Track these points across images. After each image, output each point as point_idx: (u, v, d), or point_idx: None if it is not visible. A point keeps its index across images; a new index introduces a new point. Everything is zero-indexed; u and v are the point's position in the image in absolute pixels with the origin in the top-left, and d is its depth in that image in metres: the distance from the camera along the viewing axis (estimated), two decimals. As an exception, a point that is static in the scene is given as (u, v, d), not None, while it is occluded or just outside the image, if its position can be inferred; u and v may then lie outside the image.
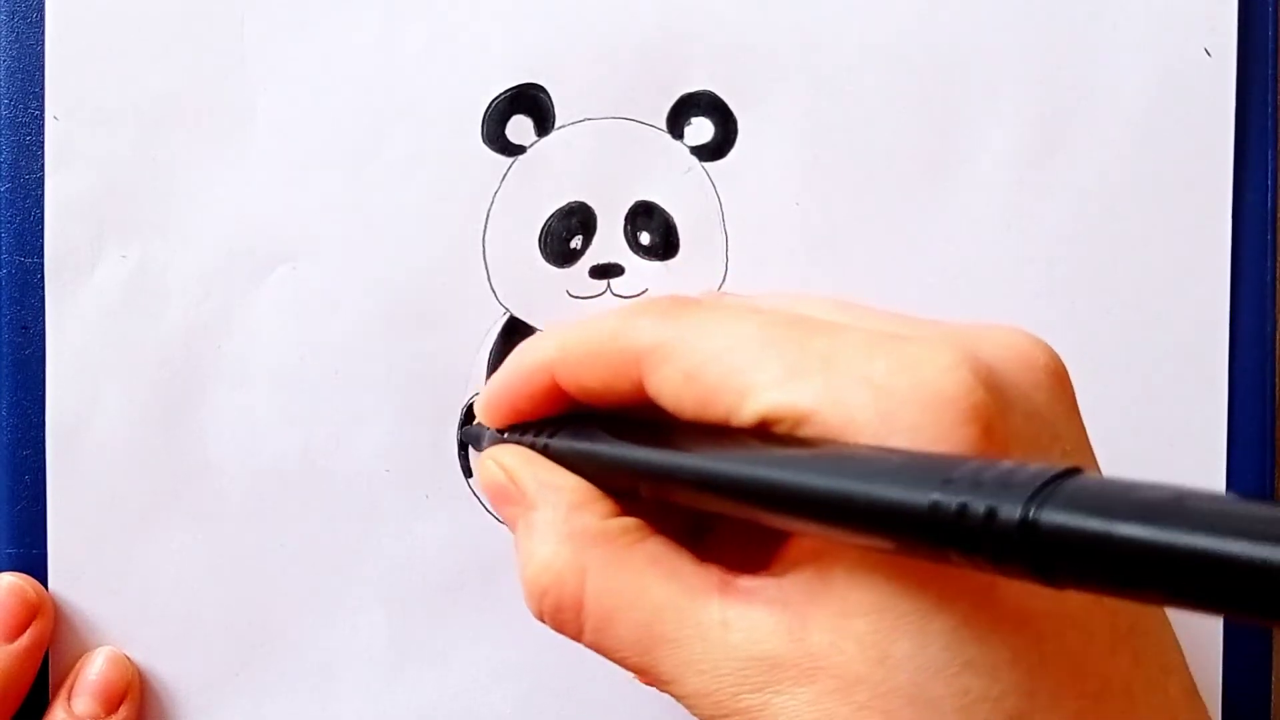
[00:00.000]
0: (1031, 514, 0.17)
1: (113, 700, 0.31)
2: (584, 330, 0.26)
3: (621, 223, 0.32)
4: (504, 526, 0.32)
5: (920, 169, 0.32)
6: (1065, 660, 0.21)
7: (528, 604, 0.25)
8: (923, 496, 0.18)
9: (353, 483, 0.32)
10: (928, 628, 0.20)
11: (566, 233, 0.32)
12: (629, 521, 0.25)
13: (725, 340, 0.23)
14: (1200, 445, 0.33)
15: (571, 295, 0.32)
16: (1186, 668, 0.23)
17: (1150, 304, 0.32)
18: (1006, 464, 0.18)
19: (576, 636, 0.24)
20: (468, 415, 0.32)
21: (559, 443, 0.26)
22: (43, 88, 0.31)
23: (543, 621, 0.25)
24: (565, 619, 0.24)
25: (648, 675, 0.23)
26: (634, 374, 0.24)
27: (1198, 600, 0.16)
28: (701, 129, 0.32)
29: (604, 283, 0.32)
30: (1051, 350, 0.23)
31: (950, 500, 0.18)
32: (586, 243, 0.32)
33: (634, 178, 0.32)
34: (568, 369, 0.26)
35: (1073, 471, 0.17)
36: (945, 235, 0.32)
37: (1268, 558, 0.14)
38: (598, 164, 0.32)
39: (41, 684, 0.32)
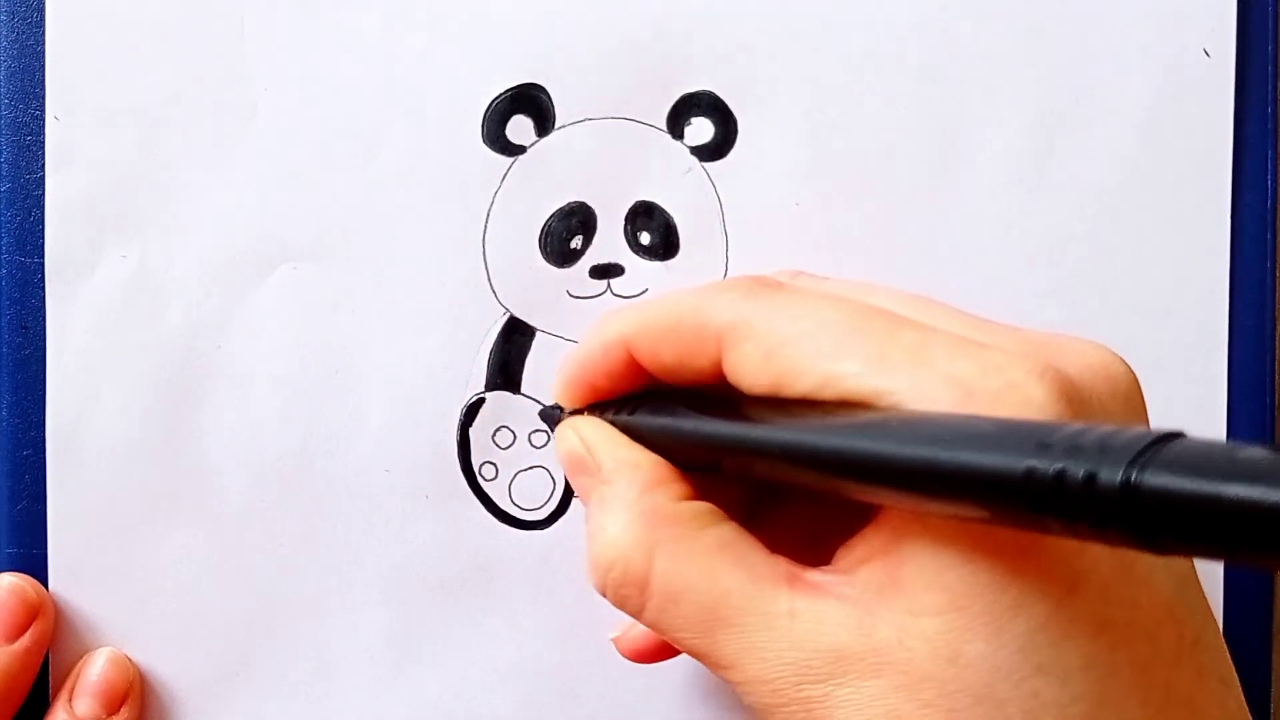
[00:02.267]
0: (1134, 477, 0.16)
1: (114, 701, 0.31)
2: (663, 304, 0.26)
3: (621, 223, 0.32)
4: (504, 527, 0.32)
5: (920, 169, 0.32)
6: (1134, 670, 0.21)
7: (592, 576, 0.25)
8: (1018, 462, 0.18)
9: (353, 483, 0.32)
10: (1003, 630, 0.20)
11: (567, 233, 0.32)
12: (702, 506, 0.25)
13: (810, 323, 0.23)
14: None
15: (571, 295, 0.32)
16: (1239, 685, 0.23)
17: (1150, 304, 0.32)
18: (1103, 428, 0.18)
19: (638, 613, 0.24)
20: (468, 414, 0.32)
21: (640, 419, 0.26)
22: (43, 88, 0.31)
23: (604, 595, 0.25)
24: (628, 594, 0.24)
25: (706, 659, 0.23)
26: (712, 350, 0.24)
27: None
28: (701, 129, 0.32)
29: (604, 283, 0.32)
30: (1127, 365, 0.23)
31: (1047, 465, 0.17)
32: (587, 243, 0.32)
33: (634, 178, 0.32)
34: (645, 343, 0.26)
35: (1173, 435, 0.17)
36: (945, 235, 0.32)
37: None
38: (598, 164, 0.32)
39: (41, 685, 0.32)
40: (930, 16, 0.32)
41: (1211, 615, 0.23)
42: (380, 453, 0.32)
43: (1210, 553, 0.17)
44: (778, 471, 0.23)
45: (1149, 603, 0.21)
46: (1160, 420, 0.32)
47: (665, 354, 0.26)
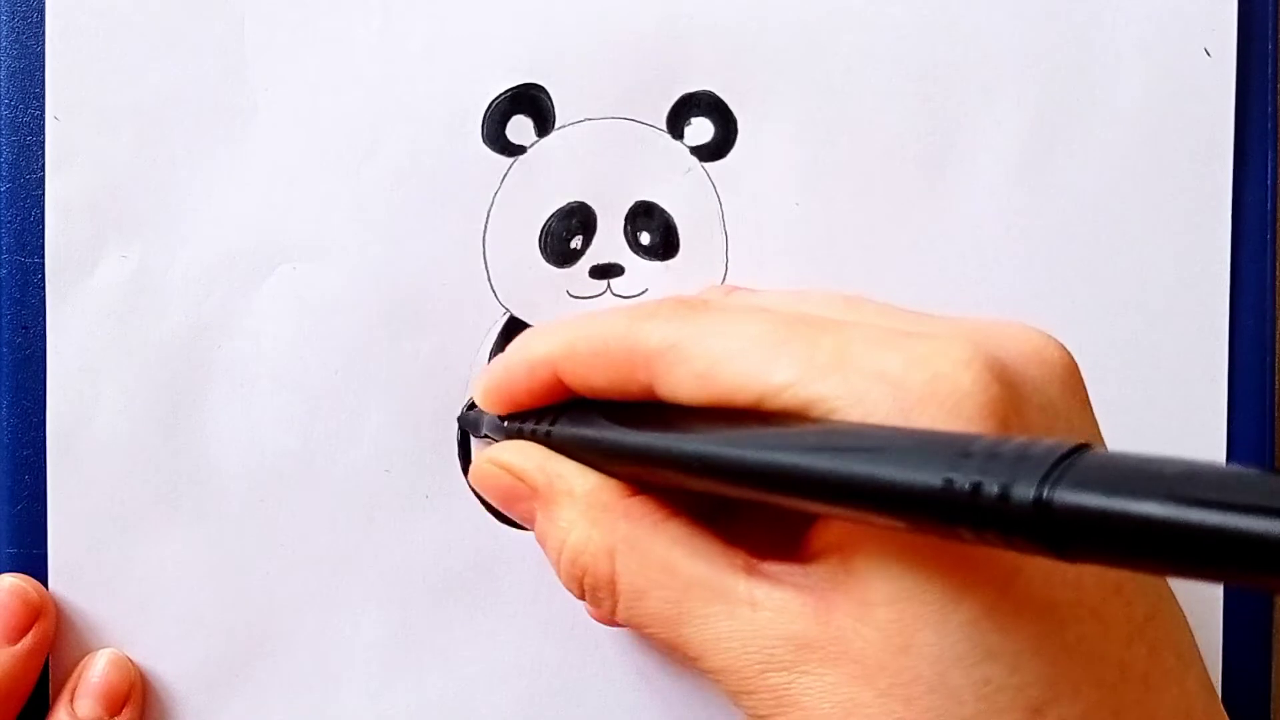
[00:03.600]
0: (1045, 494, 0.17)
1: (116, 702, 0.31)
2: (590, 329, 0.26)
3: (621, 223, 0.32)
4: (504, 527, 0.32)
5: (920, 169, 0.32)
6: (1084, 650, 0.21)
7: (567, 587, 0.26)
8: (935, 476, 0.18)
9: (353, 483, 0.32)
10: (950, 618, 0.20)
11: (566, 233, 0.32)
12: (649, 500, 0.25)
13: (737, 341, 0.23)
14: (1200, 445, 0.33)
15: (571, 295, 0.32)
16: (1202, 663, 0.23)
17: (1150, 304, 0.32)
18: (1019, 440, 0.18)
19: (611, 614, 0.25)
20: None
21: (561, 430, 0.26)
22: (43, 88, 0.31)
23: (583, 599, 0.25)
24: (601, 598, 0.25)
25: (675, 652, 0.24)
26: (642, 375, 0.25)
27: (1209, 571, 0.16)
28: (701, 129, 0.32)
29: (604, 283, 0.32)
30: (1062, 345, 0.23)
31: (964, 480, 0.18)
32: (586, 243, 0.32)
33: (634, 178, 0.32)
34: (573, 367, 0.26)
35: (1084, 448, 0.17)
36: (945, 235, 0.32)
37: (1269, 530, 0.15)
38: (598, 164, 0.32)
39: (41, 686, 0.31)
40: (930, 16, 0.32)
41: (1168, 593, 0.23)
42: (380, 453, 0.32)
43: (1120, 563, 0.17)
44: (699, 484, 0.23)
45: (1094, 583, 0.21)
46: (1161, 420, 0.32)
47: (595, 379, 0.26)
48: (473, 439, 0.32)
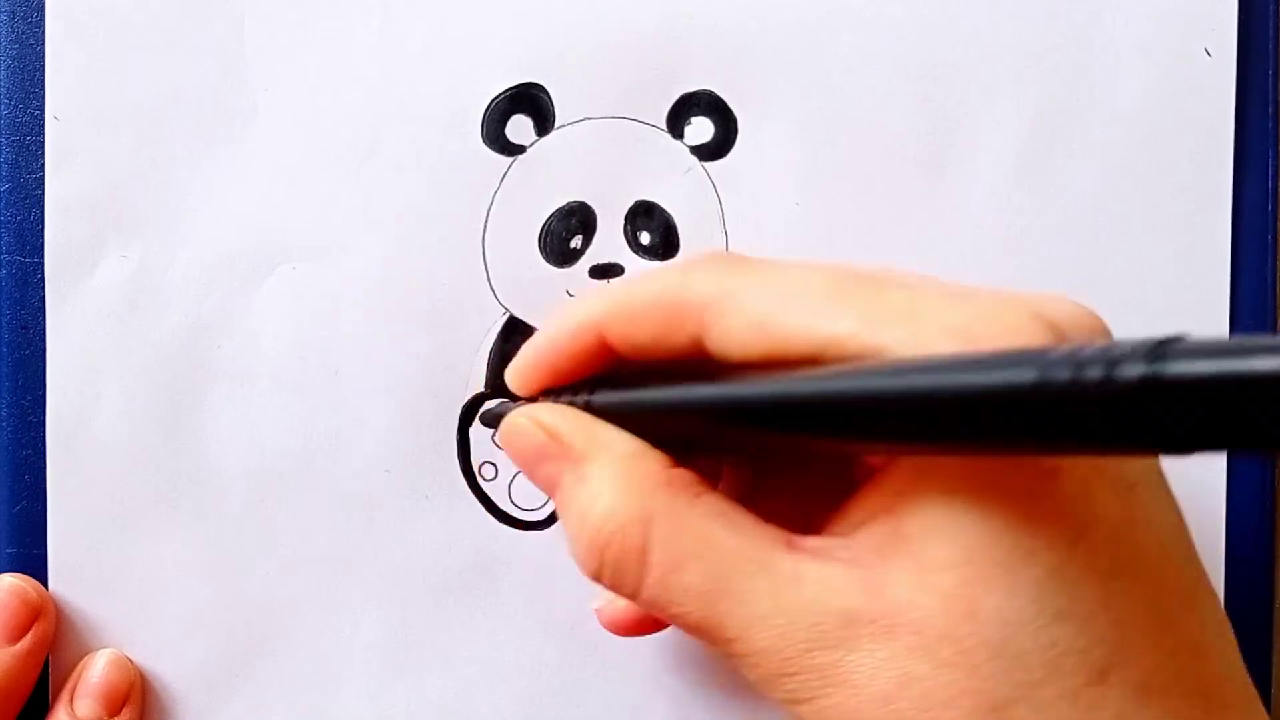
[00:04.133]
0: (1155, 370, 0.15)
1: (115, 702, 0.31)
2: (638, 285, 0.25)
3: (621, 222, 0.32)
4: (504, 527, 0.32)
5: (920, 169, 0.32)
6: (1146, 614, 0.20)
7: (585, 559, 0.23)
8: (1026, 374, 0.17)
9: (353, 483, 0.32)
10: (1018, 579, 0.20)
11: (566, 232, 0.32)
12: (690, 474, 0.24)
13: (796, 288, 0.22)
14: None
15: (571, 295, 0.32)
16: (1235, 641, 0.22)
17: (1150, 304, 0.32)
18: (1099, 344, 0.17)
19: (635, 590, 0.23)
20: (468, 414, 0.32)
21: (601, 397, 0.25)
22: (43, 88, 0.31)
23: (597, 578, 0.23)
24: (627, 569, 0.23)
25: (710, 633, 0.22)
26: (690, 327, 0.23)
27: None
28: (701, 129, 0.32)
29: (604, 282, 0.32)
30: (1099, 315, 0.23)
31: (1058, 374, 0.16)
32: (586, 242, 0.32)
33: (634, 177, 0.32)
34: (620, 324, 0.25)
35: (1176, 338, 0.16)
36: (945, 235, 0.32)
37: None
38: (598, 164, 0.32)
39: (41, 686, 0.31)
40: (930, 16, 0.32)
41: (1204, 568, 0.22)
42: (380, 453, 0.32)
43: (1243, 441, 0.15)
44: (766, 436, 0.22)
45: (1153, 547, 0.21)
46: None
47: (641, 334, 0.24)
48: (473, 440, 0.32)
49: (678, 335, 0.24)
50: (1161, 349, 0.15)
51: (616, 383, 0.25)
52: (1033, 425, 0.17)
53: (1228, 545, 0.33)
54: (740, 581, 0.22)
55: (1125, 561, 0.20)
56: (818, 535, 0.22)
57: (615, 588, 0.23)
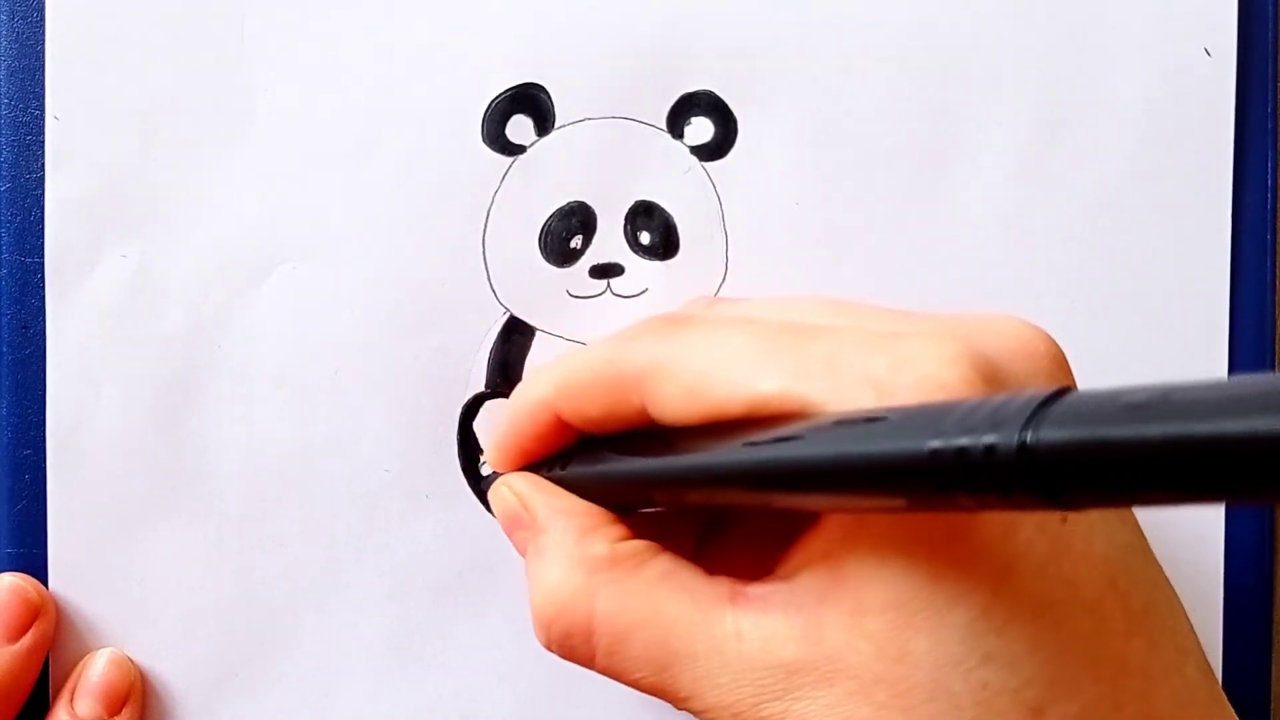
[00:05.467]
0: (1029, 439, 0.16)
1: (116, 702, 0.31)
2: (578, 361, 0.26)
3: (621, 222, 0.32)
4: (504, 526, 0.32)
5: (920, 169, 0.32)
6: (1082, 647, 0.21)
7: (537, 634, 0.25)
8: (921, 445, 0.18)
9: (353, 483, 0.32)
10: (944, 622, 0.20)
11: (566, 232, 0.32)
12: (638, 544, 0.25)
13: (723, 352, 0.23)
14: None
15: (571, 295, 0.32)
16: (1201, 650, 0.23)
17: (1150, 303, 0.32)
18: (999, 398, 0.18)
19: (589, 662, 0.24)
20: (468, 414, 0.32)
21: (572, 471, 0.27)
22: (43, 88, 0.31)
23: (552, 650, 0.25)
24: (575, 644, 0.24)
25: (664, 694, 0.23)
26: (634, 398, 0.25)
27: (1203, 488, 0.15)
28: (701, 129, 0.32)
29: (604, 282, 0.32)
30: (1050, 337, 0.23)
31: (949, 444, 0.18)
32: (586, 242, 0.32)
33: (634, 177, 0.32)
34: (568, 402, 0.26)
35: (1063, 391, 0.17)
36: (945, 235, 0.32)
37: (1262, 429, 0.14)
38: (598, 164, 0.32)
39: (41, 686, 0.31)
40: (930, 16, 0.32)
41: (1164, 583, 0.23)
42: (380, 453, 0.32)
43: (1116, 499, 0.17)
44: (705, 496, 0.24)
45: (1089, 578, 0.21)
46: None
47: (590, 409, 0.26)
48: (473, 440, 0.32)
49: (624, 407, 0.25)
50: (1037, 415, 0.17)
51: (590, 449, 0.26)
52: (932, 491, 0.18)
53: (1227, 554, 0.33)
54: (685, 644, 0.23)
55: (1056, 596, 0.21)
56: (768, 576, 0.23)
57: (567, 659, 0.25)
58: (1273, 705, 0.33)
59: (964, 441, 0.17)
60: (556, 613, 0.24)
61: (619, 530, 0.25)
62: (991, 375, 0.21)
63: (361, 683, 0.32)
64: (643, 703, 0.32)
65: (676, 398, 0.23)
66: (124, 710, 0.31)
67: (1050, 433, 0.16)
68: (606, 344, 0.26)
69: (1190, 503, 0.16)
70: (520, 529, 0.27)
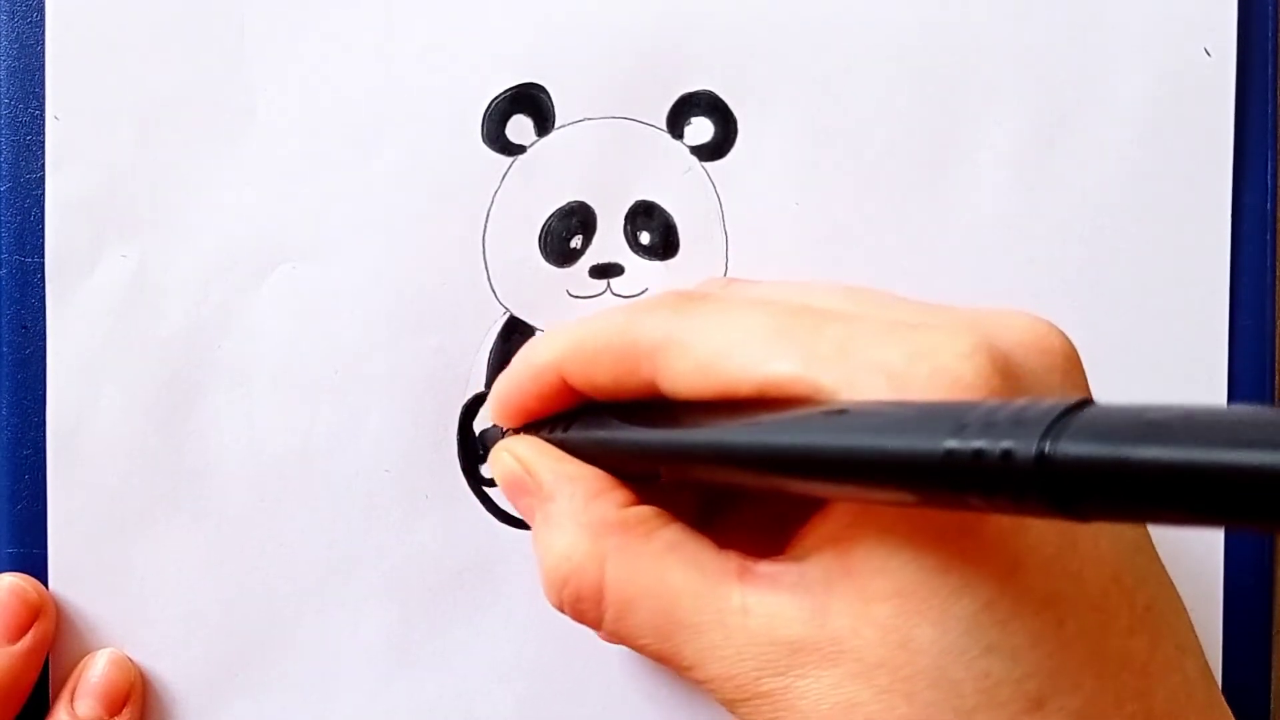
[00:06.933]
0: (1047, 449, 0.16)
1: (116, 702, 0.31)
2: (592, 327, 0.26)
3: (621, 222, 0.32)
4: (504, 527, 0.32)
5: (920, 168, 0.32)
6: (1085, 642, 0.21)
7: (547, 594, 0.25)
8: (937, 444, 0.18)
9: (353, 483, 0.32)
10: (949, 612, 0.20)
11: (566, 232, 0.32)
12: (647, 510, 0.25)
13: (738, 331, 0.23)
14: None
15: (571, 295, 0.32)
16: (1201, 649, 0.23)
17: (1150, 303, 0.32)
18: (1019, 402, 0.18)
19: (597, 625, 0.25)
20: (468, 414, 0.32)
21: (574, 435, 0.26)
22: (43, 88, 0.31)
23: (563, 612, 0.25)
24: (585, 608, 0.24)
25: (668, 661, 0.24)
26: (645, 370, 0.24)
27: (1219, 514, 0.15)
28: (701, 129, 0.32)
29: (604, 282, 0.32)
30: (1063, 334, 0.23)
31: (965, 446, 0.18)
32: (586, 242, 0.32)
33: (634, 178, 0.32)
34: (577, 367, 0.26)
35: (1085, 403, 0.17)
36: (945, 235, 0.32)
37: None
38: (598, 164, 0.32)
39: (41, 686, 0.31)
40: (930, 16, 0.32)
41: (1167, 581, 0.23)
42: (380, 453, 0.32)
43: (1128, 516, 0.17)
44: (712, 474, 0.23)
45: (1095, 574, 0.21)
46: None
47: (598, 377, 0.26)
48: (473, 440, 0.32)
49: (633, 378, 0.25)
50: (1058, 425, 0.17)
51: (595, 414, 0.26)
52: (943, 490, 0.18)
53: (1227, 554, 0.33)
54: (691, 616, 0.23)
55: (1061, 591, 0.21)
56: (778, 555, 0.23)
57: (577, 620, 0.25)
58: (1273, 705, 0.33)
59: (981, 444, 0.17)
60: (567, 576, 0.24)
61: (626, 495, 0.25)
62: (1007, 370, 0.21)
63: (361, 683, 0.32)
64: (643, 702, 0.32)
65: (688, 373, 0.23)
66: (124, 710, 0.31)
67: (1069, 445, 0.16)
68: (621, 313, 0.26)
69: (1204, 525, 0.16)
70: (525, 495, 0.27)
